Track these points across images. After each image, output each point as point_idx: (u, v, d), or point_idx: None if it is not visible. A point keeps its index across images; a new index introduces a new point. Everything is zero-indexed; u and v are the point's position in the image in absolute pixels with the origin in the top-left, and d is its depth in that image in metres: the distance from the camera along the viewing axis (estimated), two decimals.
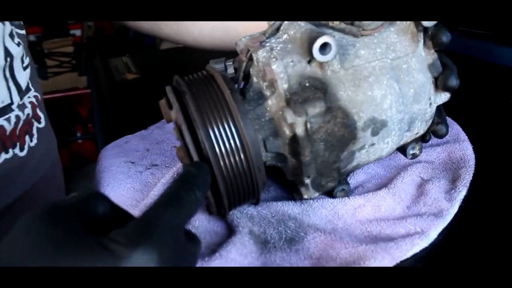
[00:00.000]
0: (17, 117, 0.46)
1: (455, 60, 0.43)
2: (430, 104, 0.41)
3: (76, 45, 2.23)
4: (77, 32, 2.31)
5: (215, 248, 0.38)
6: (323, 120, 0.37)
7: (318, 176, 0.39)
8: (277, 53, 0.38)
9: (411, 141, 0.45)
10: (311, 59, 0.37)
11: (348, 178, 0.46)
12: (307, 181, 0.39)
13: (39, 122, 0.51)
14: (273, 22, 0.42)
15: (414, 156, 0.46)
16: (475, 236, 0.40)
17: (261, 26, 0.57)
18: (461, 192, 0.44)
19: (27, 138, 0.48)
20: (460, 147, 0.51)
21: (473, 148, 0.51)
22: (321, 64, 0.37)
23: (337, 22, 0.40)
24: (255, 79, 0.40)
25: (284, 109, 0.36)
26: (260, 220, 0.41)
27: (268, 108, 0.39)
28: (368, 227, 0.40)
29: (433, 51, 0.40)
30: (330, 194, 0.44)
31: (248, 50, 0.40)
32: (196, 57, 1.06)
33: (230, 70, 0.47)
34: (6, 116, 0.45)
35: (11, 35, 0.46)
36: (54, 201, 0.28)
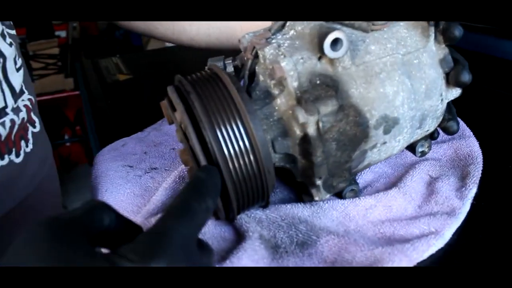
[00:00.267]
0: (12, 121, 0.43)
1: None
2: (442, 100, 0.40)
3: (61, 46, 2.19)
4: (62, 33, 2.27)
5: (224, 255, 0.36)
6: (335, 118, 0.35)
7: (329, 177, 0.38)
8: (285, 50, 0.36)
9: (421, 139, 0.44)
10: (321, 55, 0.36)
11: (356, 178, 0.45)
12: (319, 182, 0.38)
13: (34, 127, 0.49)
14: None
15: (423, 153, 0.45)
16: (490, 235, 0.39)
17: (259, 23, 0.55)
18: (472, 190, 0.43)
19: (22, 143, 0.46)
20: (467, 143, 0.50)
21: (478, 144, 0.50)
22: (332, 61, 0.36)
23: None
24: (261, 78, 0.39)
25: (296, 108, 0.35)
26: (269, 224, 0.40)
27: (276, 108, 0.37)
28: (381, 228, 0.39)
29: (444, 45, 0.39)
30: (339, 194, 0.43)
31: (254, 48, 0.39)
32: (187, 56, 1.05)
33: (230, 69, 0.46)
34: (1, 121, 0.42)
35: (3, 35, 0.43)
36: (57, 214, 0.26)
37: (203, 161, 0.34)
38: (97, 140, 0.65)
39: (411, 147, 0.44)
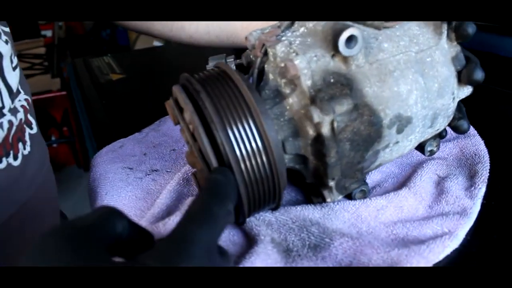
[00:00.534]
0: (10, 122, 0.41)
1: None
2: (453, 98, 0.39)
3: (47, 46, 2.15)
4: (48, 33, 2.22)
5: (236, 260, 0.35)
6: (350, 118, 0.34)
7: (342, 178, 0.37)
8: (296, 47, 0.35)
9: (430, 138, 0.43)
10: (335, 53, 0.35)
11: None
12: (332, 183, 0.37)
13: (31, 128, 0.47)
14: None
15: (432, 153, 0.45)
16: (504, 235, 0.39)
17: (262, 21, 0.54)
18: (481, 189, 0.43)
19: (20, 145, 0.44)
20: (472, 142, 0.50)
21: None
22: (346, 59, 0.35)
23: None
24: (271, 76, 0.37)
25: (310, 108, 0.34)
26: (280, 226, 0.38)
27: (287, 107, 0.36)
28: (393, 229, 0.38)
29: (455, 43, 0.39)
30: (348, 195, 0.42)
31: (263, 45, 0.38)
32: (179, 55, 1.03)
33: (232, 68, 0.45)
34: None
35: None
36: (66, 223, 0.24)
37: (214, 163, 0.33)
38: (94, 141, 0.63)
39: (420, 146, 0.44)
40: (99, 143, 0.61)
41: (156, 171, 0.51)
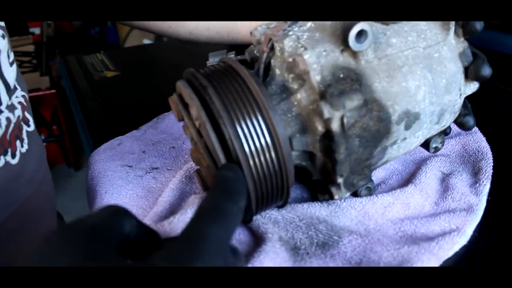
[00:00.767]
0: (8, 119, 0.40)
1: None
2: (460, 95, 0.39)
3: (36, 44, 2.11)
4: (36, 30, 2.19)
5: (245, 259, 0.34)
6: (359, 114, 0.34)
7: (350, 175, 0.37)
8: (305, 42, 0.35)
9: (435, 134, 0.43)
10: (344, 48, 0.34)
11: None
12: (340, 180, 0.36)
13: (28, 126, 0.46)
14: None
15: (436, 149, 0.44)
16: (510, 230, 0.39)
17: None
18: (486, 186, 0.43)
19: (18, 143, 0.42)
20: (474, 139, 0.50)
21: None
22: (355, 54, 0.34)
23: None
24: (277, 71, 0.37)
25: (320, 103, 0.33)
26: (286, 224, 0.38)
27: (295, 103, 0.35)
28: (401, 226, 0.38)
29: (463, 39, 0.39)
30: (353, 193, 0.41)
31: (270, 40, 0.37)
32: (171, 52, 1.02)
33: None
34: None
35: None
36: (72, 222, 0.23)
37: (222, 159, 0.32)
38: (90, 138, 0.62)
39: (425, 143, 0.44)
40: (95, 141, 0.60)
41: (156, 169, 0.50)
